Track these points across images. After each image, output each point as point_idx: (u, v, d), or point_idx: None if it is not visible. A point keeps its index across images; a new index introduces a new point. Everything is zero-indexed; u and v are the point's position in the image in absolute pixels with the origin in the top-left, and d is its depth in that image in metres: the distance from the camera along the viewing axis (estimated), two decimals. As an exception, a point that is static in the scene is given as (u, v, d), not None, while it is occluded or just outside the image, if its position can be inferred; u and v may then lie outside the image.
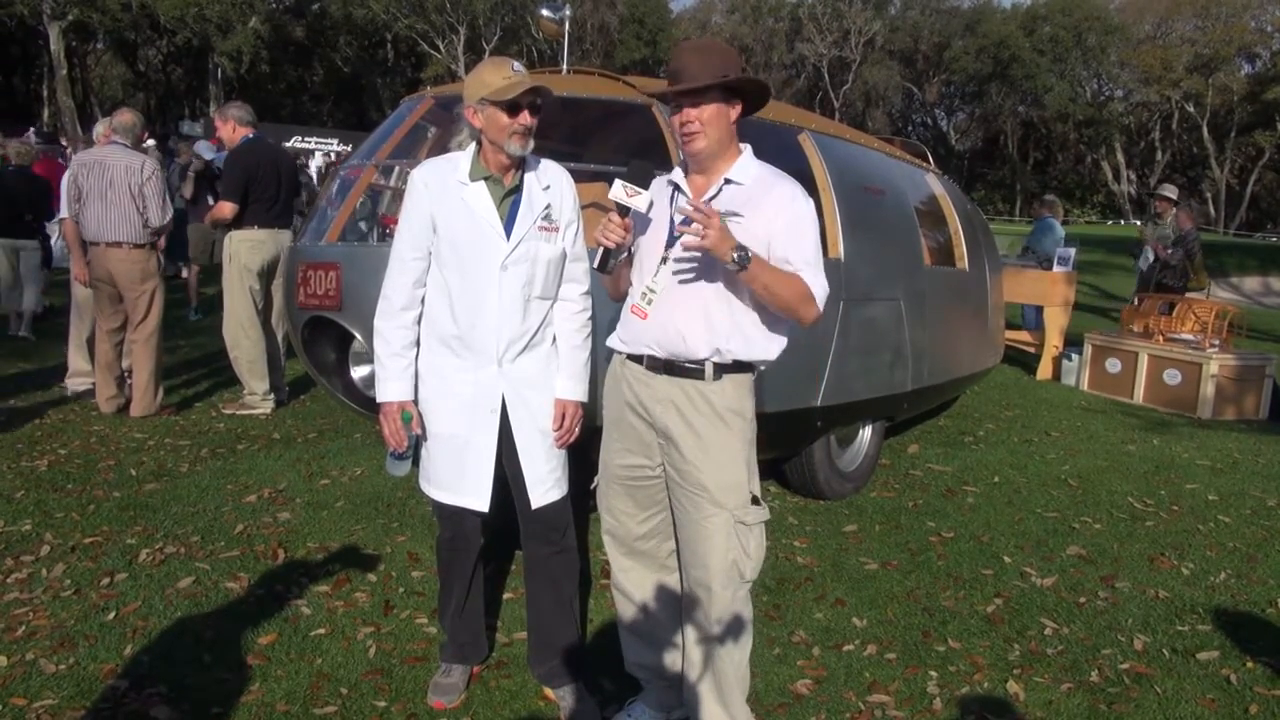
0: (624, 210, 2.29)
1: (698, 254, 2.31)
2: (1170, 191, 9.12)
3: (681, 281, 2.34)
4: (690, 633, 2.48)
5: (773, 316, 2.37)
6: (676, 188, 2.42)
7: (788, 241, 2.30)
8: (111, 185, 5.35)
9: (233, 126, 5.74)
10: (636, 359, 2.43)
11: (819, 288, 2.31)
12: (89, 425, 5.37)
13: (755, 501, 2.40)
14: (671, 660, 2.63)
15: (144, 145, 10.72)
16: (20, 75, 44.91)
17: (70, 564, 3.53)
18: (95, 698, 2.67)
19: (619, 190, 2.27)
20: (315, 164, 23.43)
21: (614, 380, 2.53)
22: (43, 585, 3.35)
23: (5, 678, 2.74)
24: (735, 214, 2.29)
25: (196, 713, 2.62)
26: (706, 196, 2.35)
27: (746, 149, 2.42)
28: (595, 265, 2.36)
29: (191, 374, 6.79)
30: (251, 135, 5.76)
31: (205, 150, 9.63)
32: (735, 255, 2.14)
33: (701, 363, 2.34)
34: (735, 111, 2.34)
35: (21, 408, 5.66)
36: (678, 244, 2.35)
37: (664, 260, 2.36)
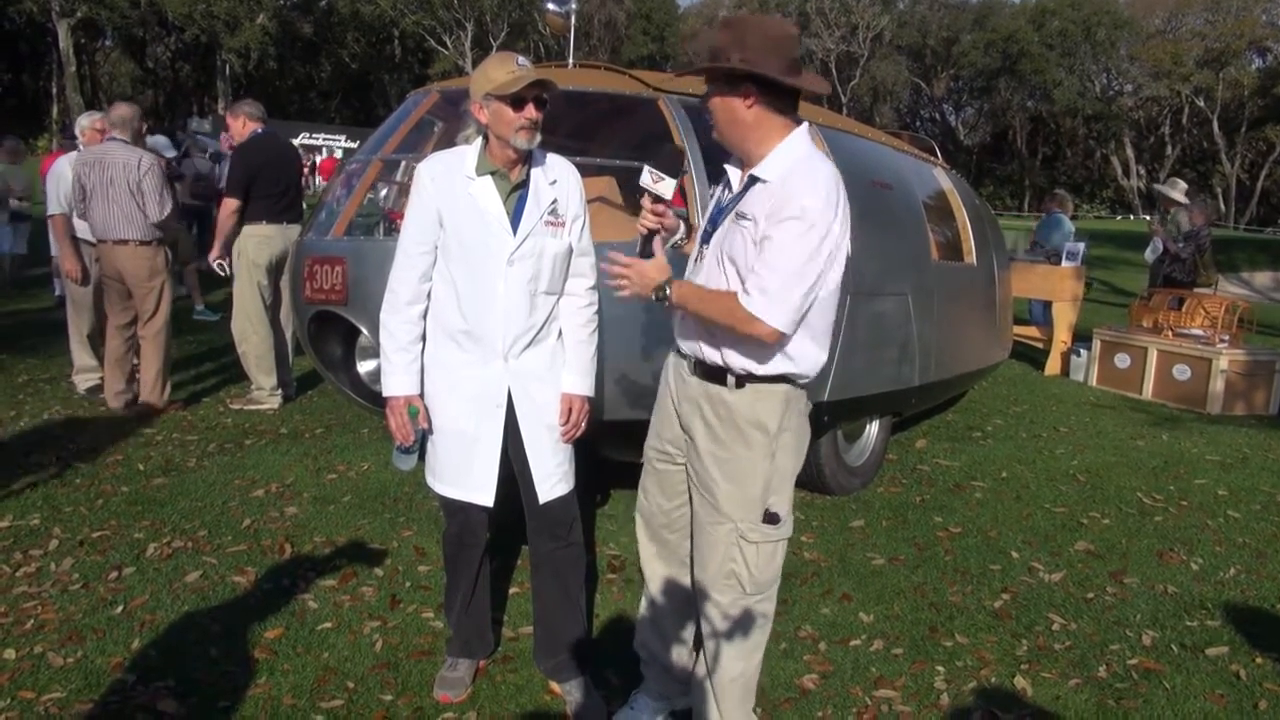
0: (657, 197, 2.28)
1: (721, 252, 2.23)
2: (1176, 193, 8.93)
3: (707, 280, 2.27)
4: (700, 632, 2.46)
5: (806, 330, 2.21)
6: (727, 181, 2.34)
7: (766, 247, 2.10)
8: (112, 183, 5.33)
9: (243, 121, 5.74)
10: (682, 355, 2.40)
11: (760, 306, 2.09)
12: (97, 420, 5.38)
13: (771, 519, 2.29)
14: (674, 651, 2.63)
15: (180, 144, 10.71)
16: (29, 73, 45.06)
17: (78, 558, 3.54)
18: (103, 691, 2.68)
19: (646, 177, 2.26)
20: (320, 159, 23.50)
21: (667, 367, 2.50)
22: (51, 579, 3.36)
23: (14, 671, 2.76)
24: (744, 217, 2.18)
25: (204, 706, 2.63)
26: (734, 194, 2.29)
27: (792, 137, 2.20)
28: (637, 252, 2.31)
29: (199, 369, 6.81)
30: (259, 130, 5.76)
31: (164, 148, 9.59)
32: (655, 295, 2.21)
33: (721, 368, 2.26)
34: (744, 99, 2.14)
35: (30, 403, 5.68)
36: (711, 241, 2.29)
37: (699, 258, 2.34)
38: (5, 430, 5.10)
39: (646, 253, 2.31)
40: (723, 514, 2.29)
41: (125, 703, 2.62)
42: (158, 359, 5.56)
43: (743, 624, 2.34)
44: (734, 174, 2.30)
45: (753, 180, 2.19)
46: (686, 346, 2.35)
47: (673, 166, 2.27)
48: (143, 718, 2.56)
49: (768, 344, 2.17)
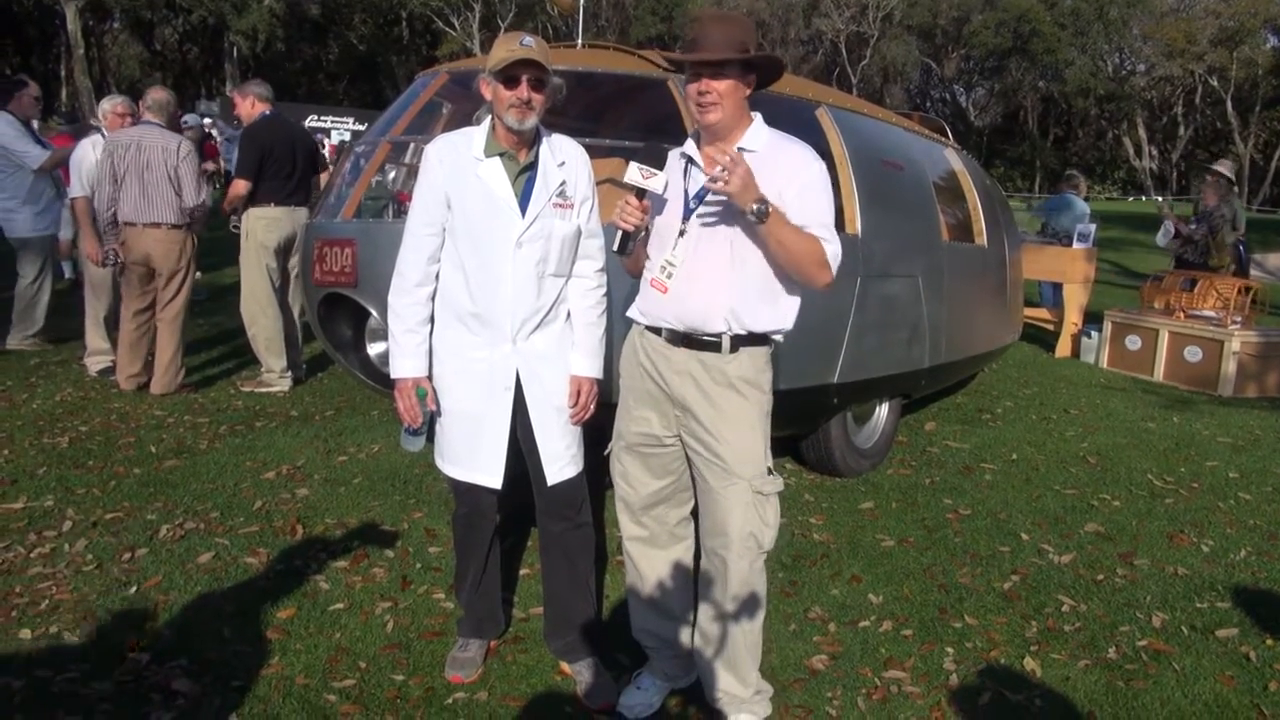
0: (640, 192, 2.29)
1: (715, 225, 2.33)
2: (1226, 168, 8.91)
3: (699, 253, 2.36)
4: (704, 603, 2.51)
5: (787, 285, 2.40)
6: (690, 160, 2.43)
7: (803, 205, 2.32)
8: (149, 167, 5.35)
9: (252, 102, 5.73)
10: (655, 330, 2.46)
11: (833, 252, 2.33)
12: (109, 403, 5.41)
13: (769, 471, 2.44)
14: (679, 629, 2.66)
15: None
16: (38, 56, 45.01)
17: (92, 539, 3.57)
18: (118, 670, 2.70)
19: (634, 173, 2.27)
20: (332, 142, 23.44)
21: (631, 349, 2.55)
22: (65, 560, 3.39)
23: (30, 650, 2.78)
24: None
25: (217, 685, 2.65)
26: (719, 167, 2.34)
27: (757, 117, 2.43)
28: (614, 249, 2.36)
29: (210, 352, 6.83)
30: (267, 112, 5.75)
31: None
32: (755, 206, 2.17)
33: (719, 335, 2.37)
34: (749, 87, 2.35)
35: (42, 386, 5.71)
36: (694, 216, 2.37)
37: (681, 233, 2.37)
38: (18, 412, 5.12)
39: (626, 250, 2.34)
40: (734, 474, 2.38)
41: (139, 682, 2.65)
42: (173, 344, 5.59)
43: (757, 583, 2.46)
44: (694, 152, 2.42)
45: (739, 151, 2.33)
46: (669, 320, 2.40)
47: (659, 160, 2.32)
48: (157, 697, 2.58)
49: (789, 297, 2.42)
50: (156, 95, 5.62)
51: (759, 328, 2.39)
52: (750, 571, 2.42)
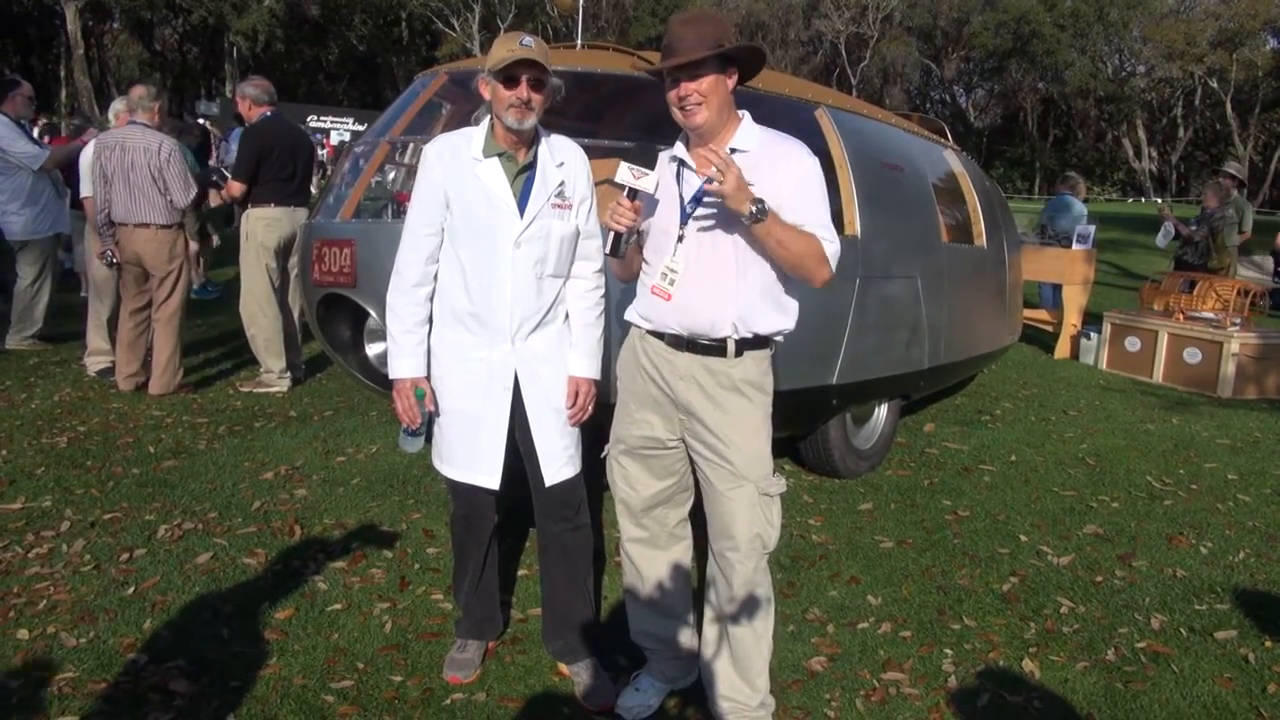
0: (632, 193, 2.29)
1: (715, 230, 2.32)
2: (1236, 170, 9.02)
3: (701, 260, 2.34)
4: (710, 607, 2.51)
5: (789, 287, 2.40)
6: (681, 163, 2.41)
7: (799, 203, 2.31)
8: (134, 168, 5.35)
9: (249, 105, 5.73)
10: (657, 335, 2.45)
11: (832, 250, 2.33)
12: (108, 403, 5.41)
13: (773, 473, 2.44)
14: (679, 630, 2.66)
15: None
16: (38, 56, 45.00)
17: (90, 539, 3.56)
18: (115, 671, 2.70)
19: (625, 173, 2.26)
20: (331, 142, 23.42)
21: (632, 353, 2.53)
22: (63, 560, 3.39)
23: (27, 651, 2.78)
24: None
25: (215, 686, 2.65)
26: (713, 167, 2.34)
27: (745, 115, 2.42)
28: (607, 250, 2.34)
29: (209, 352, 6.82)
30: (268, 113, 5.75)
31: None
32: (752, 208, 2.15)
33: (724, 340, 2.37)
34: (732, 80, 2.34)
35: (41, 386, 5.70)
36: (692, 221, 2.35)
37: (680, 238, 2.36)
38: (17, 412, 5.12)
39: (619, 252, 2.33)
40: (742, 477, 2.38)
41: (137, 683, 2.65)
42: (170, 343, 5.58)
43: (763, 584, 2.45)
44: (684, 155, 2.41)
45: (732, 152, 2.33)
46: (675, 325, 2.39)
47: (650, 160, 2.32)
48: (155, 698, 2.58)
49: (791, 299, 2.43)
50: (133, 94, 5.60)
51: (765, 330, 2.39)
52: (755, 572, 2.42)
